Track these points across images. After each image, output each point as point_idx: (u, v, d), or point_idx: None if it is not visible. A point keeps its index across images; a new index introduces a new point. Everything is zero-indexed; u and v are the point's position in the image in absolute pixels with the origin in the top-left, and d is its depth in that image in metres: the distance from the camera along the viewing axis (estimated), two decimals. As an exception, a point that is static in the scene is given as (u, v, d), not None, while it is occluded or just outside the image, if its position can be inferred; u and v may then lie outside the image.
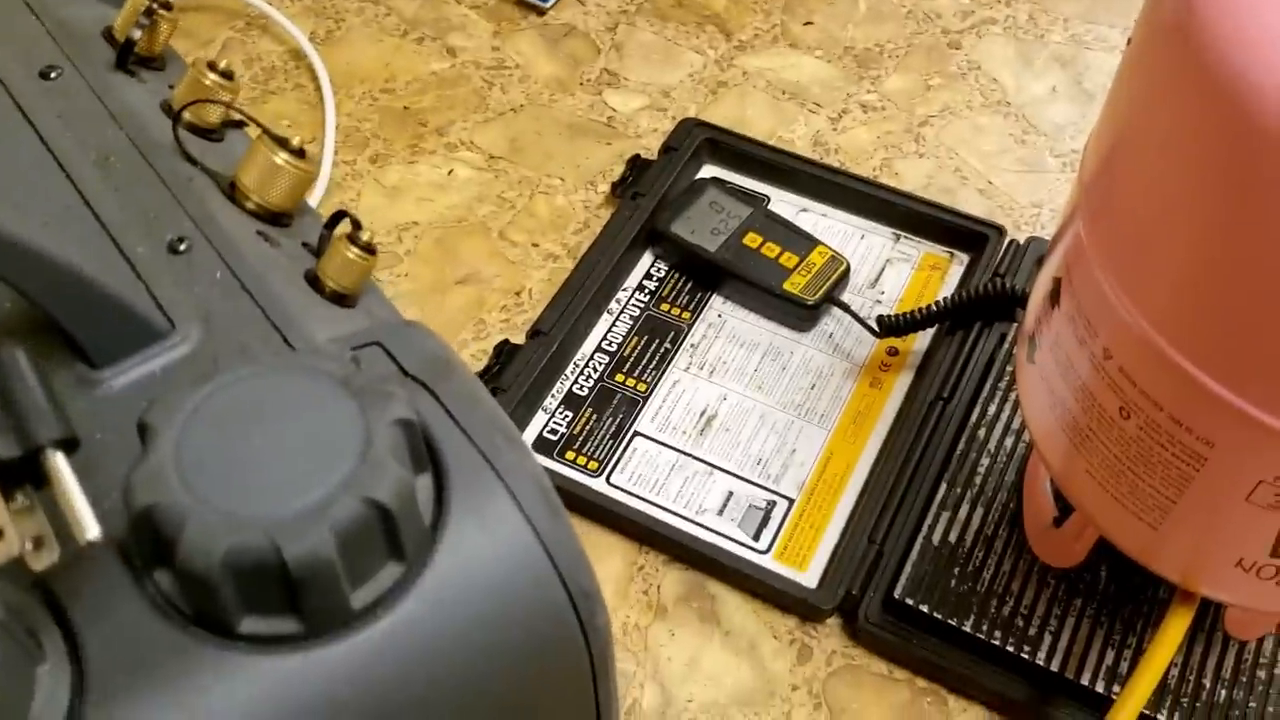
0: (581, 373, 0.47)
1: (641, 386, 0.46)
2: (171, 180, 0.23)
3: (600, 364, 0.47)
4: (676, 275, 0.50)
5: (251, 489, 0.16)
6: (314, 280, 0.23)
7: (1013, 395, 0.45)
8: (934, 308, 0.46)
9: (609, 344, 0.48)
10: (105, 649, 0.16)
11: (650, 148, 0.54)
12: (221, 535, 0.16)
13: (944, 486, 0.42)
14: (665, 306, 0.49)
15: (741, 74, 0.58)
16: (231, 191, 0.24)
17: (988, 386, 0.45)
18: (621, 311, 0.49)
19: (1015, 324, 0.47)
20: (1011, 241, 0.50)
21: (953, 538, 0.41)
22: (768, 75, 0.58)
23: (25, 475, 0.16)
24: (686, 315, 0.49)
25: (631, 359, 0.47)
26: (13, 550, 0.16)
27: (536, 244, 0.51)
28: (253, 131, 0.25)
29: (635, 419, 0.45)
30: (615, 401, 0.46)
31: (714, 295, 0.49)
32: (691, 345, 0.48)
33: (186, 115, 0.25)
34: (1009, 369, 0.45)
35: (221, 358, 0.20)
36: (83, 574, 0.17)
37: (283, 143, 0.23)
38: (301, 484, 0.16)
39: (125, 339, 0.19)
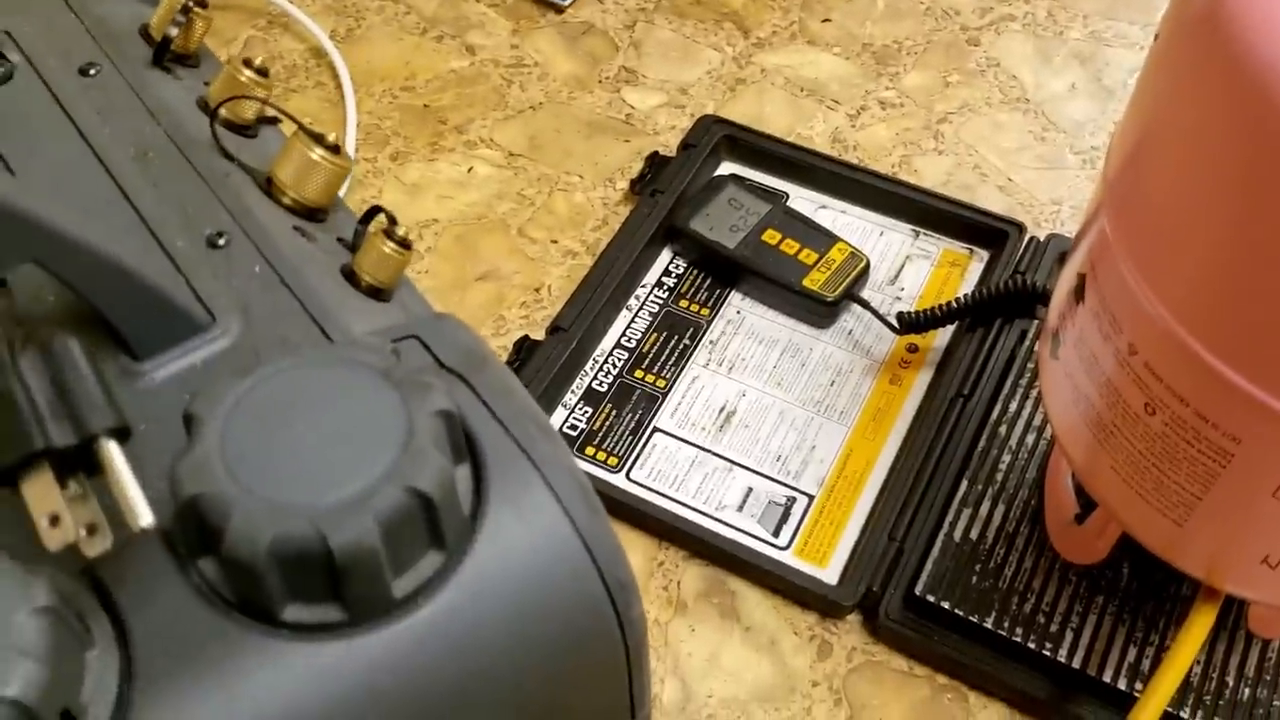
0: (601, 369, 0.47)
1: (661, 383, 0.47)
2: (209, 175, 0.23)
3: (619, 360, 0.47)
4: (695, 272, 0.50)
5: (296, 478, 0.17)
6: (350, 275, 0.23)
7: (1034, 392, 0.45)
8: (954, 304, 0.46)
9: (628, 340, 0.48)
10: (152, 635, 0.17)
11: (669, 145, 0.55)
12: (267, 524, 0.16)
13: (965, 483, 0.42)
14: (684, 303, 0.49)
15: (760, 71, 0.58)
16: (268, 187, 0.24)
17: (1008, 383, 0.45)
18: (640, 308, 0.49)
19: (1036, 321, 0.47)
20: (1032, 238, 0.50)
21: (974, 534, 0.41)
22: (786, 72, 0.58)
23: (79, 463, 0.17)
24: (705, 312, 0.49)
25: (651, 355, 0.47)
26: (69, 537, 0.16)
27: (556, 241, 0.52)
28: (287, 128, 0.25)
29: (654, 415, 0.46)
30: (634, 398, 0.46)
31: (733, 292, 0.49)
32: (710, 342, 0.48)
33: (223, 112, 0.25)
34: (1030, 366, 0.45)
35: (262, 350, 0.20)
36: (130, 562, 0.17)
37: (318, 138, 0.24)
38: (345, 473, 0.17)
39: (166, 331, 0.20)
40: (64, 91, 0.24)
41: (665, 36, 0.60)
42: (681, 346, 0.48)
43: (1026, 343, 0.46)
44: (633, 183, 0.53)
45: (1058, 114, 0.56)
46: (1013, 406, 0.44)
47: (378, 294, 0.23)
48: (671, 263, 0.50)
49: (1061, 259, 0.48)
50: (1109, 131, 0.55)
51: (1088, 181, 0.53)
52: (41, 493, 0.16)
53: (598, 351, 0.48)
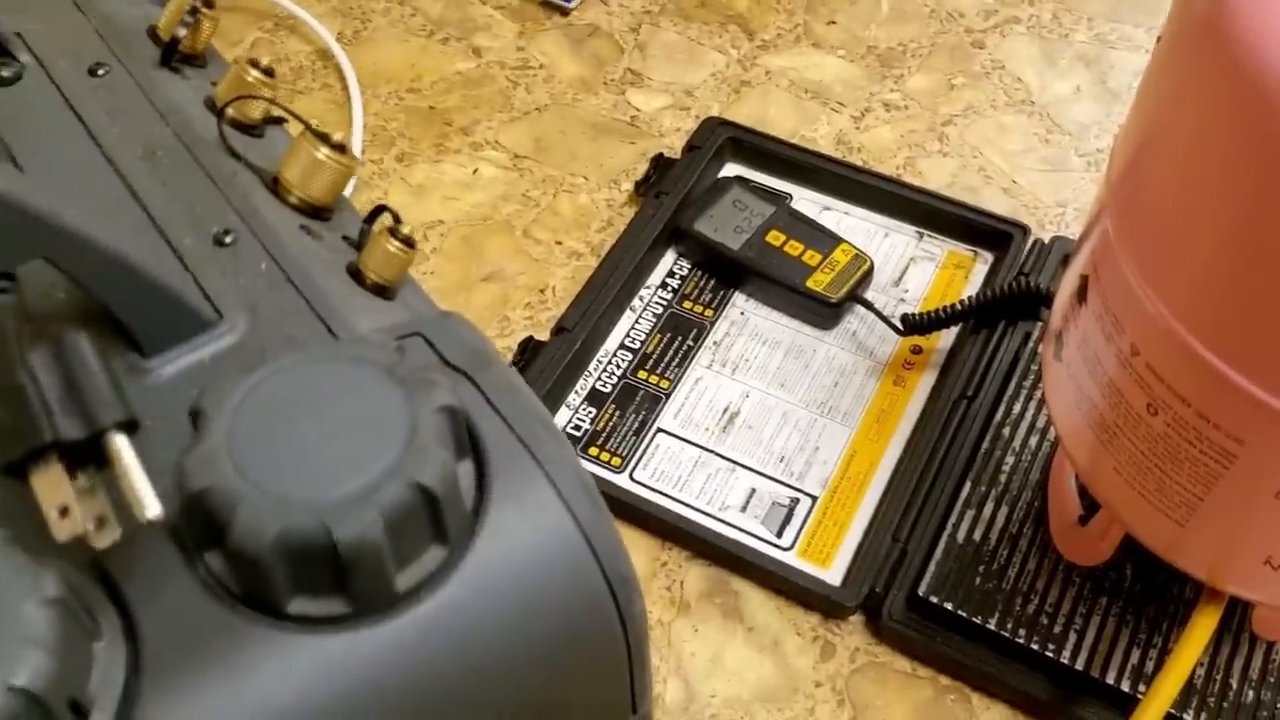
0: (605, 369, 0.47)
1: (664, 383, 0.47)
2: (216, 175, 0.23)
3: (623, 361, 0.48)
4: (699, 273, 0.50)
5: (302, 473, 0.17)
6: (355, 273, 0.23)
7: (1037, 394, 0.45)
8: (958, 306, 0.46)
9: (632, 341, 0.48)
10: (159, 627, 0.17)
11: (673, 147, 0.55)
12: (273, 518, 0.16)
13: (968, 485, 0.42)
14: (688, 304, 0.49)
15: (764, 73, 0.58)
16: (274, 186, 0.24)
17: (1012, 385, 0.45)
18: (645, 309, 0.49)
19: (1040, 323, 0.47)
20: (1036, 240, 0.50)
21: (977, 536, 0.41)
22: (790, 75, 0.58)
23: (88, 457, 0.17)
24: (709, 313, 0.49)
25: (654, 356, 0.48)
26: (77, 528, 0.16)
27: (560, 242, 0.52)
28: (293, 128, 0.25)
29: (658, 416, 0.46)
30: (638, 398, 0.46)
31: (737, 293, 0.49)
32: (714, 343, 0.48)
33: (230, 111, 0.25)
34: (1034, 368, 0.45)
35: (268, 347, 0.20)
36: (136, 555, 0.17)
37: (324, 138, 0.24)
38: (350, 468, 0.17)
39: (174, 328, 0.20)
40: (73, 91, 0.24)
41: (670, 39, 0.60)
42: (685, 347, 0.48)
43: (1030, 345, 0.46)
44: (637, 185, 0.53)
45: (1062, 116, 0.56)
46: (1016, 408, 0.44)
47: (382, 292, 0.23)
48: (676, 264, 0.51)
49: (1065, 261, 0.48)
50: (1113, 134, 0.55)
51: (1092, 184, 0.53)
52: (51, 484, 0.16)
53: (602, 352, 0.48)
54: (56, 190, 0.18)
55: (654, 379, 0.47)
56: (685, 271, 0.50)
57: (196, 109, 0.26)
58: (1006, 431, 0.44)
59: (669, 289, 0.50)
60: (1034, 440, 0.43)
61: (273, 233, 0.22)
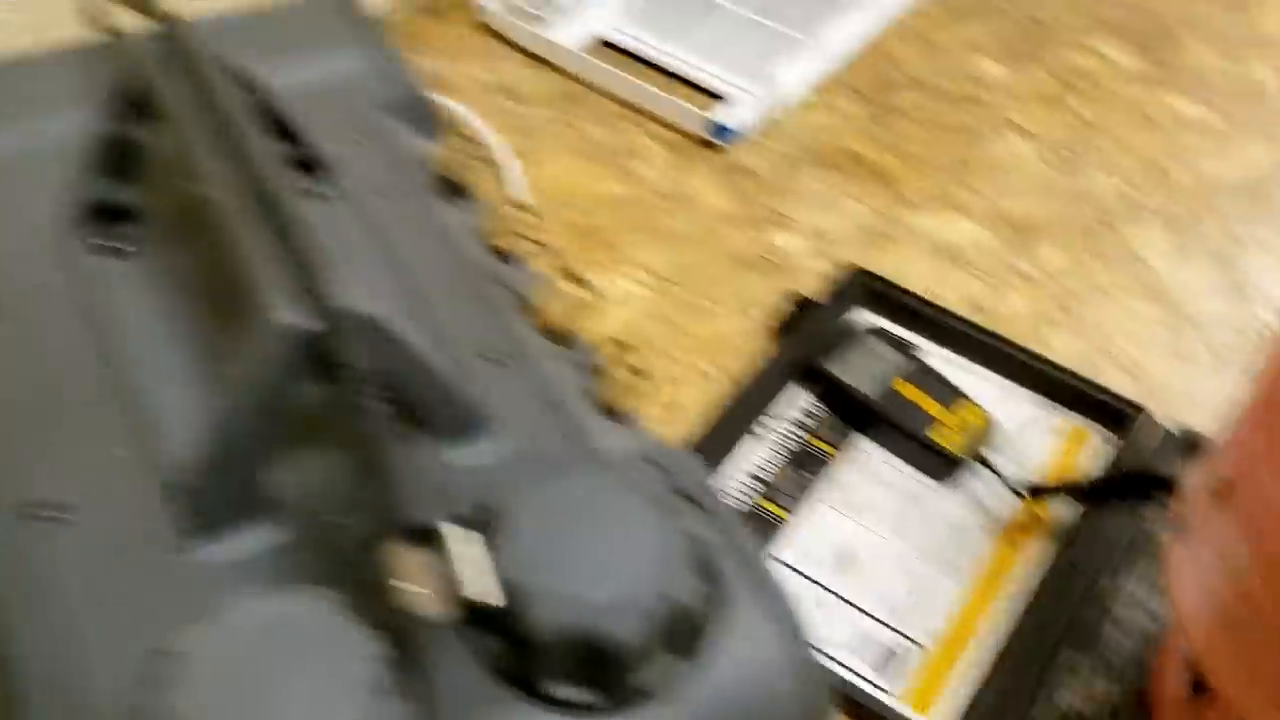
0: (730, 495, 0.50)
1: (785, 515, 0.49)
2: (486, 299, 0.27)
3: (748, 488, 0.50)
4: (827, 412, 0.53)
5: (579, 575, 0.20)
6: (594, 397, 0.27)
7: (1148, 573, 0.46)
8: (1081, 485, 0.48)
9: (758, 470, 0.50)
10: (447, 694, 0.20)
11: (810, 287, 0.58)
12: (556, 613, 0.19)
13: (1073, 654, 0.43)
14: (814, 440, 0.52)
15: (905, 230, 0.62)
16: (530, 312, 0.28)
17: (1125, 563, 0.46)
18: (772, 439, 0.52)
19: (1158, 505, 0.48)
20: (1159, 426, 0.51)
21: (1078, 704, 0.42)
22: (930, 234, 0.62)
23: (427, 540, 0.20)
24: (834, 451, 0.51)
25: (778, 487, 0.50)
26: (426, 603, 0.19)
27: (696, 364, 0.55)
28: (545, 260, 0.29)
29: (776, 546, 0.48)
30: (759, 526, 0.48)
31: (862, 436, 0.52)
32: (836, 481, 0.50)
33: (495, 242, 0.29)
34: (1147, 547, 0.47)
35: (534, 458, 0.23)
36: (429, 629, 0.20)
37: (571, 273, 0.28)
38: (618, 576, 0.20)
39: (462, 432, 0.23)
40: (374, 213, 0.28)
41: (816, 187, 0.64)
42: (808, 482, 0.50)
43: (1144, 525, 0.47)
44: (778, 321, 0.56)
45: (1191, 308, 0.58)
46: (1126, 584, 0.45)
47: (615, 416, 0.26)
48: (806, 400, 0.53)
49: (1189, 449, 0.50)
50: (1239, 330, 0.57)
51: (1218, 376, 0.55)
52: (398, 560, 0.19)
53: (728, 477, 0.50)
54: (397, 308, 0.21)
55: (775, 509, 0.49)
56: (814, 409, 0.53)
57: (465, 235, 0.30)
58: (1114, 606, 0.45)
59: (797, 424, 0.52)
60: (1141, 618, 0.44)
61: (531, 356, 0.26)
